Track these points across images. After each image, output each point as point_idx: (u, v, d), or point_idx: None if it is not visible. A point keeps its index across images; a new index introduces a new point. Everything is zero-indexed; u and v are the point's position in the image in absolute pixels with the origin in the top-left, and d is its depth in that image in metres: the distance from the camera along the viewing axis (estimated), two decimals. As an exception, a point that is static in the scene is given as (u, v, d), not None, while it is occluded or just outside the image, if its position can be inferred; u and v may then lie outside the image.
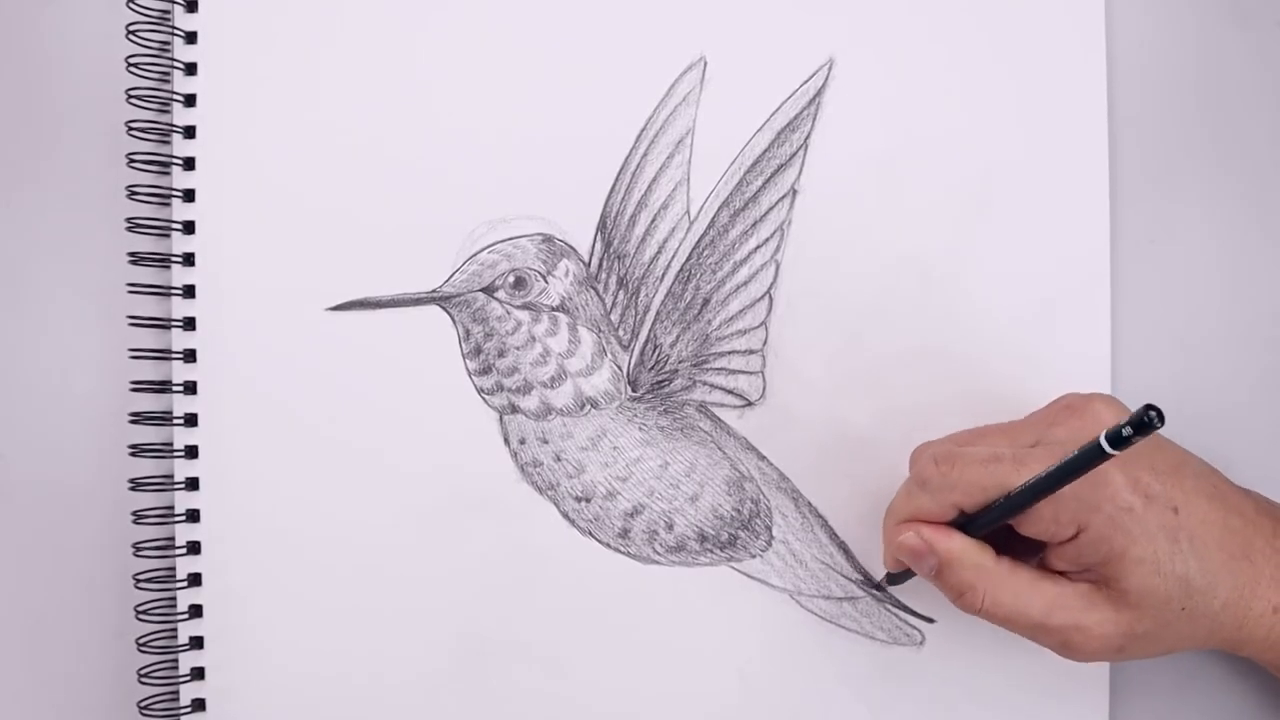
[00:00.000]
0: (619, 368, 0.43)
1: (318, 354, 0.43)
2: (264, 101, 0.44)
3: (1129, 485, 0.35)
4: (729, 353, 0.43)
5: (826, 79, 0.43)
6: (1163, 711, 0.43)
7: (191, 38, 0.44)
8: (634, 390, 0.43)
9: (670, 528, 0.43)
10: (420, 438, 0.43)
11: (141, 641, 0.43)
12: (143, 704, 0.43)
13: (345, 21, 0.44)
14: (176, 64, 0.44)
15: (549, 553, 0.43)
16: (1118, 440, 0.31)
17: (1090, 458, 0.32)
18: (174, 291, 0.44)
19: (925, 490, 0.37)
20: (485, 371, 0.43)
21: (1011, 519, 0.36)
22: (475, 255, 0.43)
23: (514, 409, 0.43)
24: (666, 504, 0.43)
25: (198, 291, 0.44)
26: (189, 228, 0.44)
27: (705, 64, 0.43)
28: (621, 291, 0.44)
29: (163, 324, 0.44)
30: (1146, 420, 0.30)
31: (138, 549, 0.43)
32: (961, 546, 0.36)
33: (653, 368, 0.43)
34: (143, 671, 0.43)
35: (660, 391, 0.43)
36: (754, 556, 0.43)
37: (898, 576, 0.41)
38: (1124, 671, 0.43)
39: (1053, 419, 0.38)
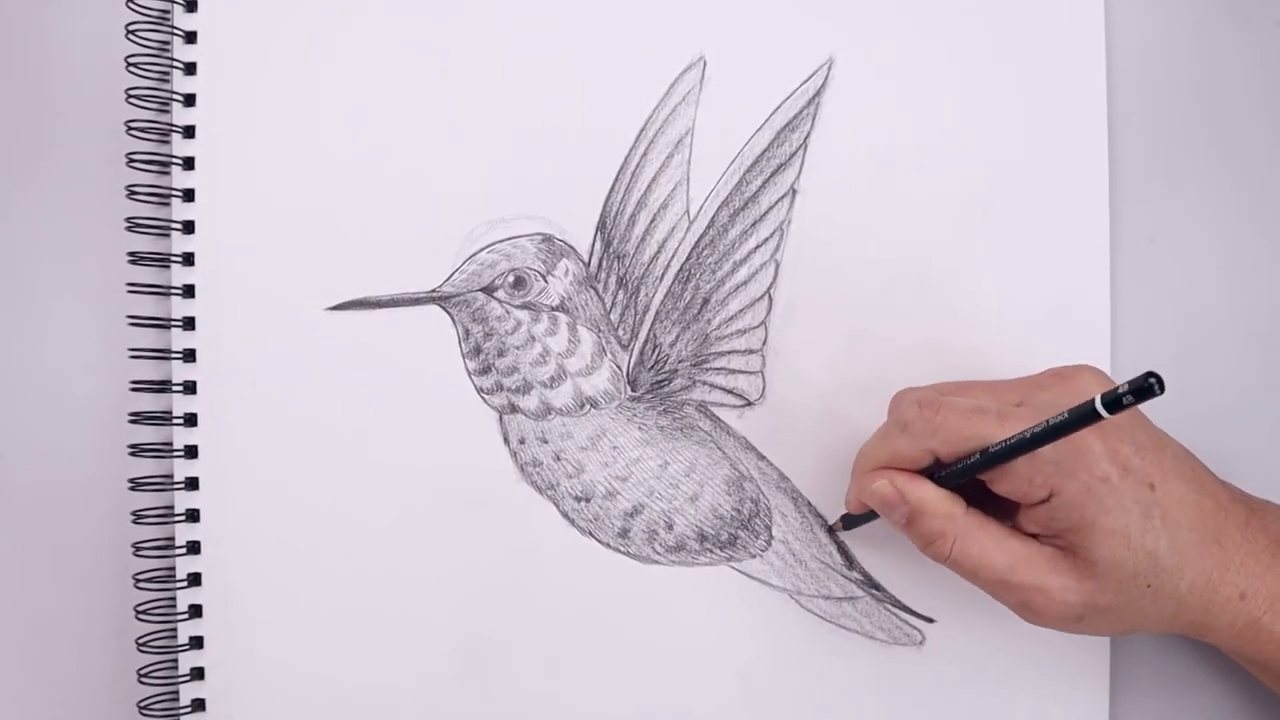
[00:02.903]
0: (619, 367, 0.43)
1: (318, 354, 0.43)
2: (264, 101, 0.44)
3: (1108, 455, 0.35)
4: (729, 352, 0.43)
5: (826, 79, 0.43)
6: (1163, 712, 0.43)
7: (191, 38, 0.44)
8: (633, 390, 0.43)
9: (670, 527, 0.43)
10: (420, 437, 0.43)
11: (141, 641, 0.43)
12: (143, 704, 0.43)
13: (345, 21, 0.44)
14: (176, 64, 0.44)
15: (549, 552, 0.43)
16: (1115, 404, 0.30)
17: (1081, 417, 0.32)
18: (174, 291, 0.44)
19: (905, 433, 0.37)
20: (485, 371, 0.43)
21: (986, 473, 0.35)
22: (475, 255, 0.43)
23: (513, 408, 0.43)
24: (666, 504, 0.43)
25: (198, 291, 0.44)
26: (189, 227, 0.44)
27: (705, 64, 0.43)
28: (621, 291, 0.44)
29: (163, 324, 0.44)
30: (1147, 386, 0.29)
31: (138, 549, 0.43)
32: (934, 495, 0.36)
33: (652, 367, 0.43)
34: (143, 671, 0.43)
35: (660, 391, 0.43)
36: (754, 556, 0.43)
37: (856, 520, 0.41)
38: (1124, 671, 0.43)
39: (1040, 383, 0.37)
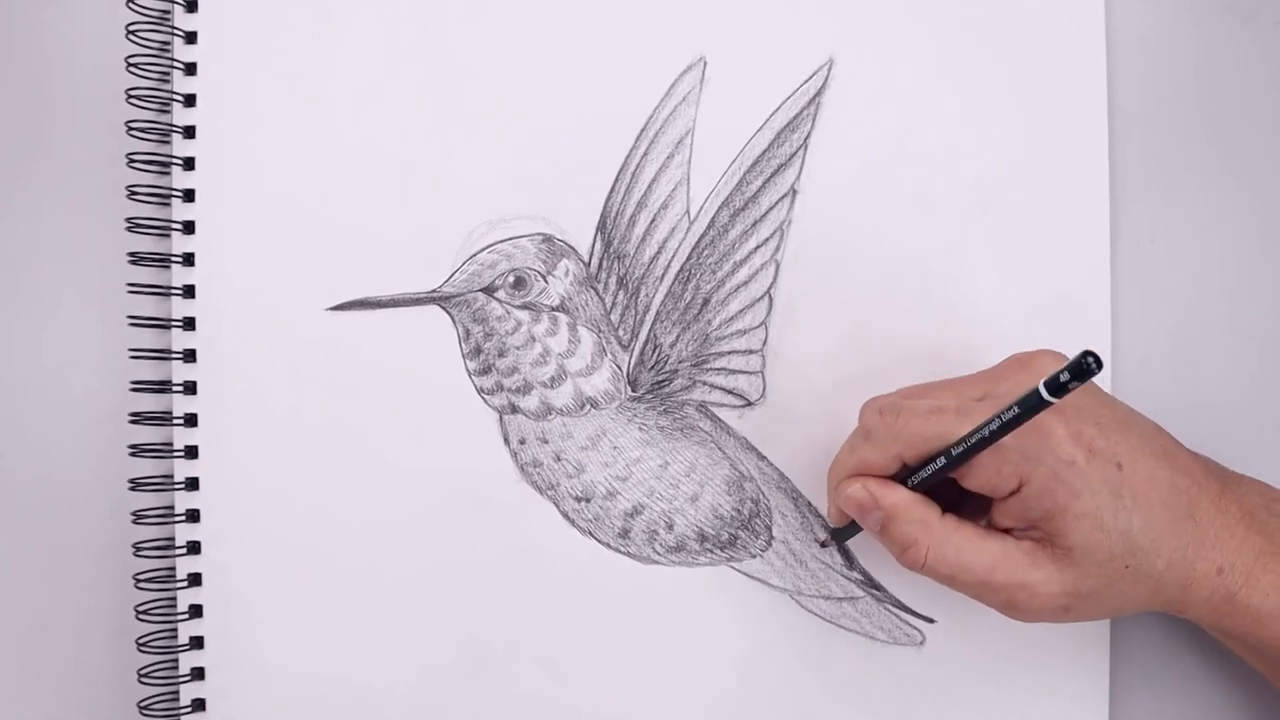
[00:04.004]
0: (619, 368, 0.43)
1: (318, 354, 0.43)
2: (264, 101, 0.44)
3: (1071, 438, 0.35)
4: (729, 353, 0.43)
5: (826, 79, 0.43)
6: (1163, 711, 0.43)
7: (191, 38, 0.44)
8: (634, 390, 0.43)
9: (670, 528, 0.43)
10: (420, 438, 0.43)
11: (141, 641, 0.43)
12: (143, 704, 0.43)
13: (345, 21, 0.44)
14: (176, 64, 0.44)
15: (549, 553, 0.43)
16: (1056, 388, 0.31)
17: (1030, 406, 0.32)
18: (174, 291, 0.44)
19: (869, 441, 0.37)
20: (485, 371, 0.43)
21: (954, 471, 0.35)
22: (475, 255, 0.43)
23: (514, 409, 0.43)
24: (666, 504, 0.43)
25: (198, 291, 0.44)
26: (189, 228, 0.44)
27: (705, 64, 0.43)
28: (621, 291, 0.44)
29: (163, 324, 0.44)
30: (1085, 366, 0.29)
31: (138, 549, 0.43)
32: (906, 500, 0.36)
33: (653, 368, 0.43)
34: (143, 671, 0.43)
35: (660, 391, 0.43)
36: (754, 556, 0.43)
37: (843, 532, 0.41)
38: (1124, 671, 0.43)
39: (1001, 374, 0.37)
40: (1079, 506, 0.34)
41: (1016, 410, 0.32)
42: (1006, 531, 0.36)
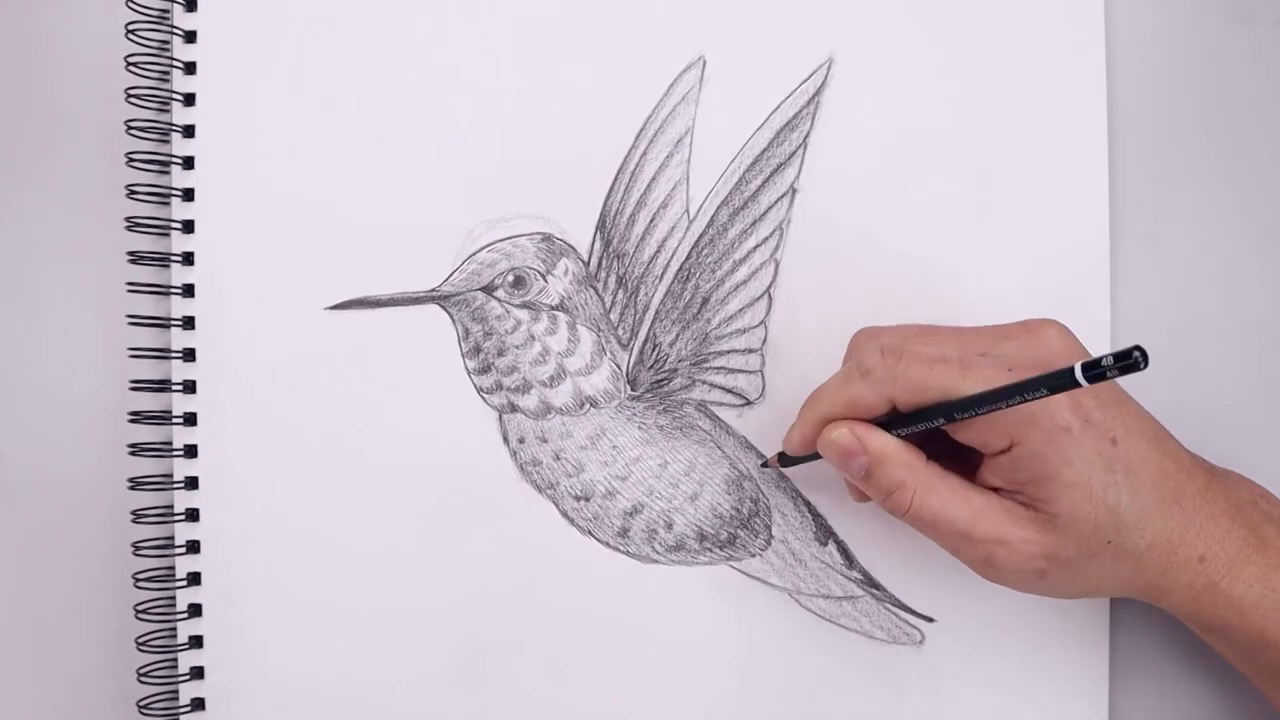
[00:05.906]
0: (618, 367, 0.43)
1: (317, 353, 0.43)
2: (263, 100, 0.44)
3: (1070, 406, 0.34)
4: (728, 352, 0.43)
5: (826, 78, 0.43)
6: (1162, 711, 0.43)
7: (191, 37, 0.44)
8: (633, 389, 0.43)
9: (670, 527, 0.43)
10: (419, 437, 0.43)
11: (141, 641, 0.43)
12: (142, 703, 0.43)
13: (345, 20, 0.44)
14: (176, 63, 0.44)
15: (548, 552, 0.43)
16: (1095, 374, 0.30)
17: (1057, 386, 0.31)
18: (173, 291, 0.44)
19: (867, 380, 0.36)
20: (484, 370, 0.43)
21: (948, 424, 0.35)
22: (474, 254, 0.43)
23: (513, 408, 0.43)
24: (666, 503, 0.43)
25: (197, 291, 0.44)
26: (188, 227, 0.44)
27: (704, 63, 0.43)
28: (621, 290, 0.44)
29: (162, 323, 0.44)
30: (1132, 360, 0.29)
31: (138, 548, 0.43)
32: (894, 446, 0.36)
33: (652, 367, 0.43)
34: (142, 671, 0.43)
35: (660, 390, 0.43)
36: (753, 556, 0.43)
37: (793, 460, 0.40)
38: (1124, 670, 0.43)
39: (1006, 334, 0.37)
40: (1069, 474, 0.34)
41: (1044, 391, 0.32)
42: (993, 491, 0.36)
